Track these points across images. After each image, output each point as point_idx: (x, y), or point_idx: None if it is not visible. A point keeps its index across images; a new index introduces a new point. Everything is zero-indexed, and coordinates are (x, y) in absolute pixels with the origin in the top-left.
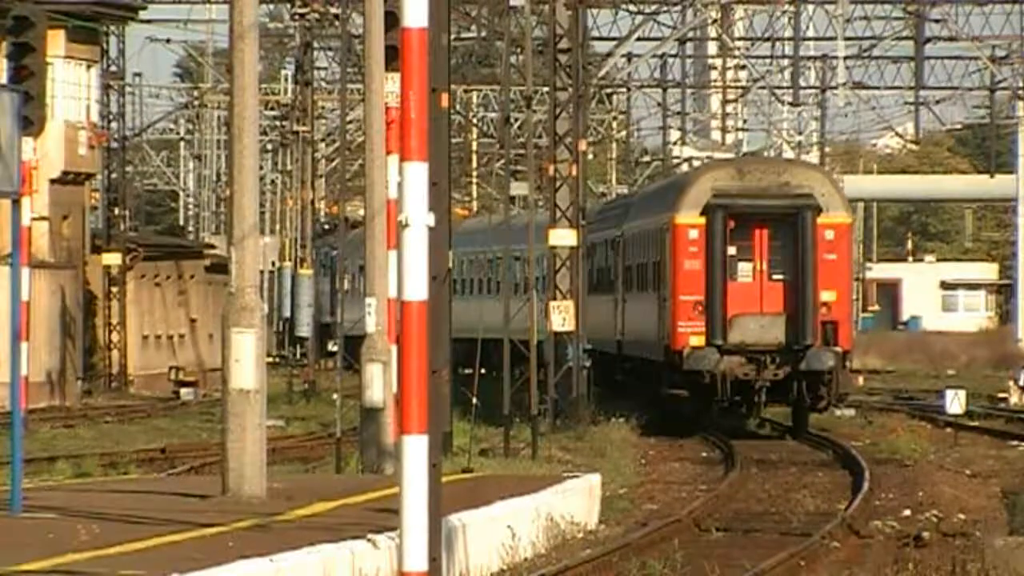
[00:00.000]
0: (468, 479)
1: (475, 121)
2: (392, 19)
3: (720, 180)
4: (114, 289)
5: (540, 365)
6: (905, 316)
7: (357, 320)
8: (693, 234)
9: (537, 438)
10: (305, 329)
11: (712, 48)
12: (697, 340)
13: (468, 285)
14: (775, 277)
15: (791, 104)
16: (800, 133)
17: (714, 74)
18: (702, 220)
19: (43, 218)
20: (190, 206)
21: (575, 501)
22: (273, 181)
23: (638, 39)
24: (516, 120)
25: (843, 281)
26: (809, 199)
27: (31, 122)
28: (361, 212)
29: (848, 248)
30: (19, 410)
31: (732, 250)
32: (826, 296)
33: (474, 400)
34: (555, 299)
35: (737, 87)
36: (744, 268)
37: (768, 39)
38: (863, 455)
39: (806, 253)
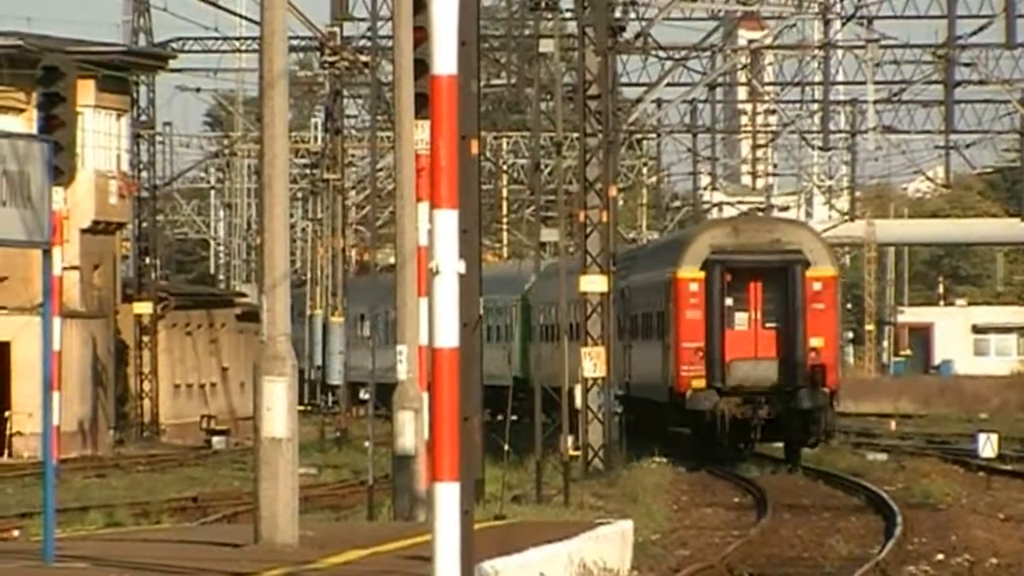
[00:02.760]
0: (500, 526)
1: (505, 168)
2: (422, 67)
3: (717, 238)
4: (145, 338)
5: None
6: (937, 360)
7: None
8: (694, 287)
9: (569, 484)
10: (336, 377)
11: (742, 93)
12: (698, 383)
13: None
14: (768, 325)
15: (821, 148)
16: (830, 177)
17: (744, 119)
18: (702, 274)
19: (74, 268)
20: (221, 255)
21: (608, 547)
22: (304, 229)
23: (668, 84)
24: (546, 166)
25: (830, 328)
26: (798, 255)
27: (61, 172)
28: (392, 259)
29: (834, 298)
30: (51, 460)
31: (729, 301)
32: (814, 342)
33: (506, 447)
34: (586, 345)
35: (767, 132)
36: (740, 317)
37: (798, 84)
38: (896, 500)
39: (796, 303)
